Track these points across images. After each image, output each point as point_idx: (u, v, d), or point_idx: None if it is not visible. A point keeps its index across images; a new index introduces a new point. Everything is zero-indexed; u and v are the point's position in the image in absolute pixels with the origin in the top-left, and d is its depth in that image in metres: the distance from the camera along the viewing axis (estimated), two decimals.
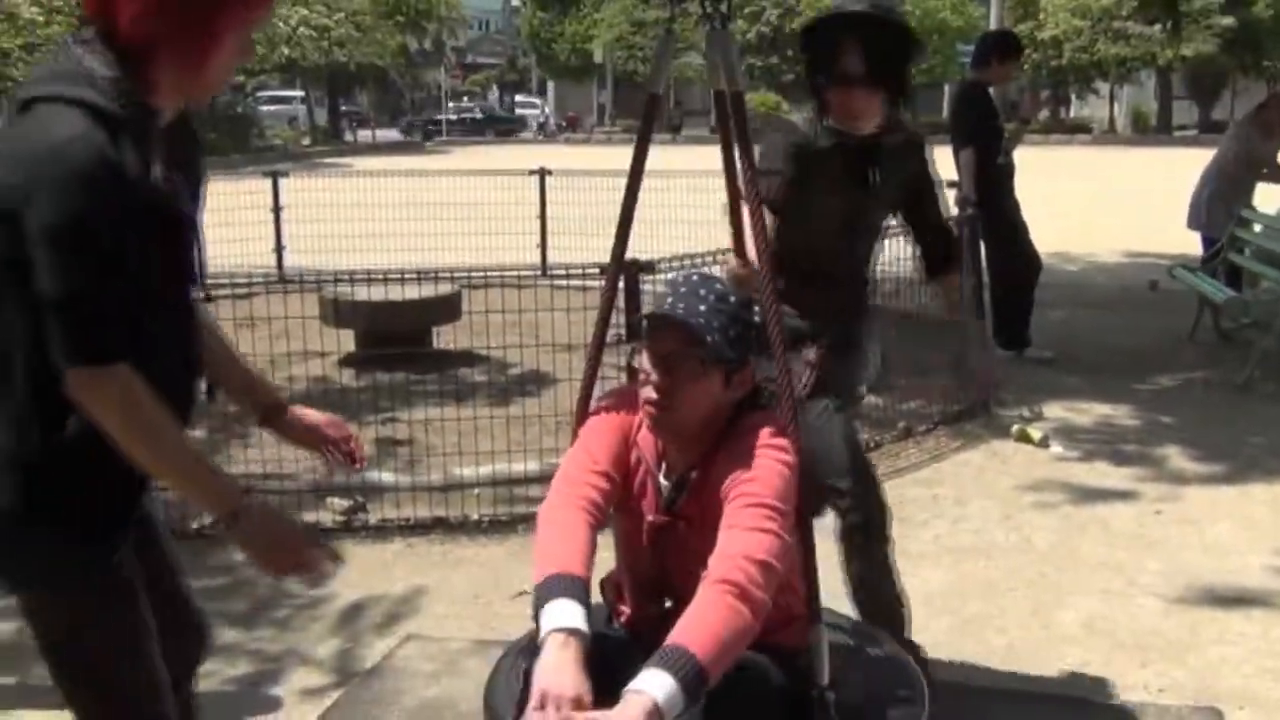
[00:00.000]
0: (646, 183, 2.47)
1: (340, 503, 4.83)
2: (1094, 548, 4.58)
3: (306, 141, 36.97)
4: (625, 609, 2.43)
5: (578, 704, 1.82)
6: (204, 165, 2.09)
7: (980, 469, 5.51)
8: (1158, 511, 4.93)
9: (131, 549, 2.00)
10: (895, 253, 6.47)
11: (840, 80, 3.08)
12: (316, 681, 3.60)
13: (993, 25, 17.53)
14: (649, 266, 4.59)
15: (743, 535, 2.01)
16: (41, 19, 23.87)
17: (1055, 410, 6.33)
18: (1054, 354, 7.45)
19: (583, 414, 2.41)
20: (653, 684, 1.79)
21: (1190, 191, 8.59)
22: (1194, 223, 8.55)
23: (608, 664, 1.95)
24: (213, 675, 3.67)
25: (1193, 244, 8.77)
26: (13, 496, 1.88)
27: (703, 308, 2.18)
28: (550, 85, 50.81)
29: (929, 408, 6.20)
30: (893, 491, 5.32)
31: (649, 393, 2.20)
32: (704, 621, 1.89)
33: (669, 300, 2.22)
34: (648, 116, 2.41)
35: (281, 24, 33.15)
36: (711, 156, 2.66)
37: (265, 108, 40.76)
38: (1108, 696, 3.43)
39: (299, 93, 41.92)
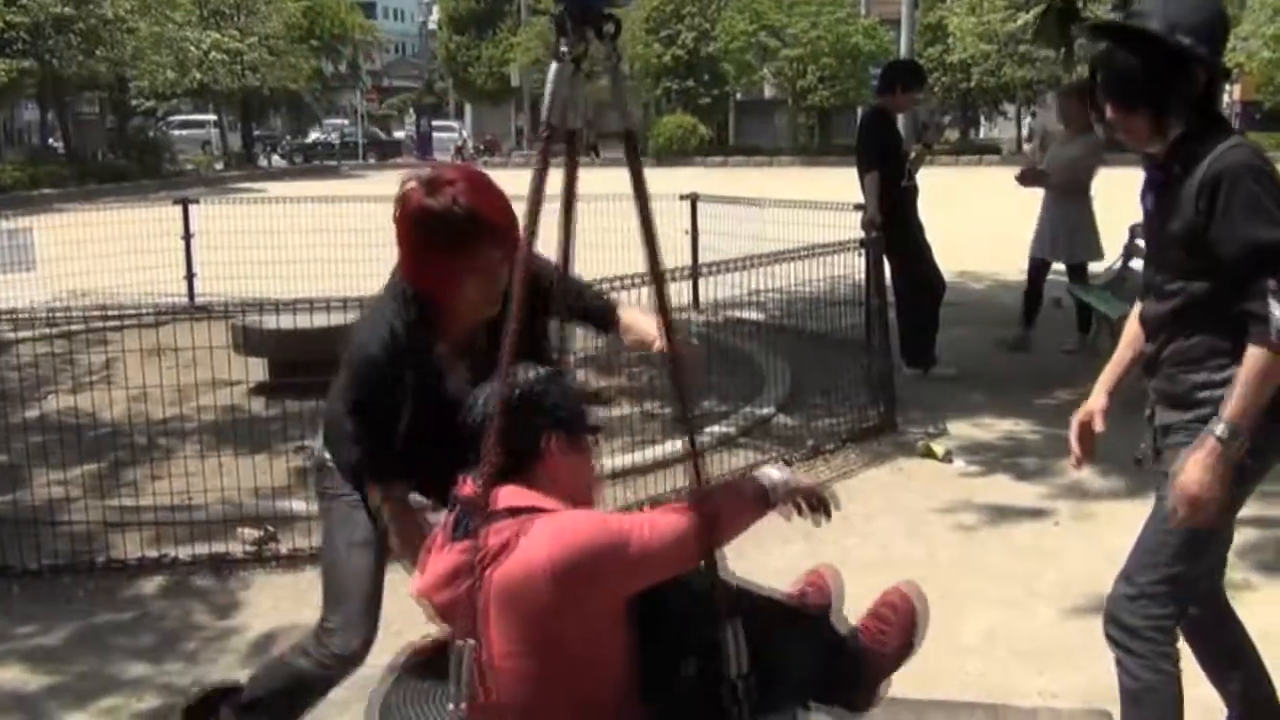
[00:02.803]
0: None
1: (251, 533, 4.78)
2: (995, 560, 4.71)
3: (220, 166, 36.51)
4: None
5: None
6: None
7: (886, 485, 5.63)
8: (1057, 524, 5.09)
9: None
10: (807, 274, 6.62)
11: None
12: None
13: (903, 50, 17.87)
14: None
15: None
16: None
17: (959, 427, 6.48)
18: (956, 371, 7.61)
19: None
20: None
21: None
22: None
23: None
24: (120, 710, 3.66)
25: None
26: None
27: None
28: (468, 108, 50.73)
29: (838, 426, 6.33)
30: None
31: None
32: None
33: None
34: (545, 149, 2.25)
35: (193, 48, 32.79)
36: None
37: (177, 132, 40.21)
38: (1004, 702, 3.54)
39: (211, 117, 41.42)
